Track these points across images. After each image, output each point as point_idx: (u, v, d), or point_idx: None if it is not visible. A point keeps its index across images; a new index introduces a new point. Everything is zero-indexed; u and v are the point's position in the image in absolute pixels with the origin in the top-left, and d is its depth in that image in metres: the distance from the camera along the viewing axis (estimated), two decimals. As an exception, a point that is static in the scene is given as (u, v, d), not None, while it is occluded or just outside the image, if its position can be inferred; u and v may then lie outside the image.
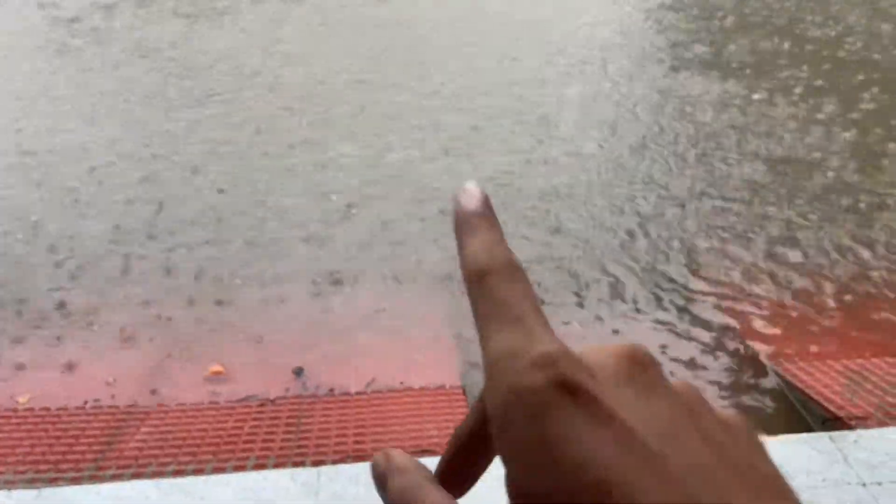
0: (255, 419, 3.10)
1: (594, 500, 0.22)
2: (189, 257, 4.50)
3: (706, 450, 0.24)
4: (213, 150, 5.82)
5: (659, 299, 4.11)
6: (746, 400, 3.41)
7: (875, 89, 6.64)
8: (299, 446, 2.89)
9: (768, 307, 4.04)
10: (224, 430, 3.00)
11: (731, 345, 3.77)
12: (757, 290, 4.18)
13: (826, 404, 3.06)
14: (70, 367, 3.58)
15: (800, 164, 5.53)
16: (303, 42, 8.15)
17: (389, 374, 3.47)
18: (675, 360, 3.67)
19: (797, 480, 2.57)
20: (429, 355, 3.64)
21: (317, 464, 2.72)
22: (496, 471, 0.29)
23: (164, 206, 5.06)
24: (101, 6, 9.17)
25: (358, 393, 3.35)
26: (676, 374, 3.57)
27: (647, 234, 4.71)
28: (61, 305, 4.06)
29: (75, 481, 2.62)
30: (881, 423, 2.87)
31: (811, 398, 3.15)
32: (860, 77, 6.93)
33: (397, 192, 5.18)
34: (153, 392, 3.39)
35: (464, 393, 3.30)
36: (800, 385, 3.26)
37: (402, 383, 3.40)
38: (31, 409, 3.20)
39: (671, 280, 4.28)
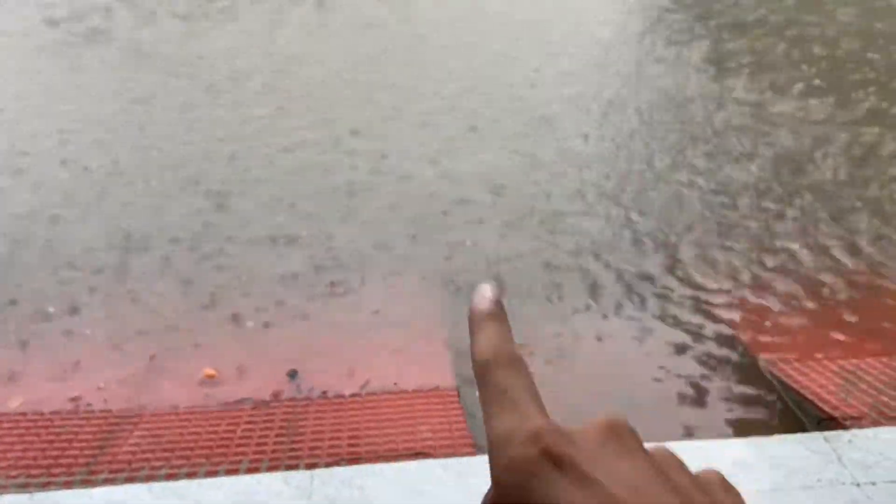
0: (248, 422, 3.09)
1: None
2: (184, 260, 4.50)
3: (675, 500, 0.28)
4: (211, 151, 5.82)
5: (652, 301, 4.10)
6: (742, 400, 3.40)
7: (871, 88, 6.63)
8: (293, 449, 2.89)
9: (763, 307, 4.03)
10: (217, 434, 3.00)
11: (727, 346, 3.76)
12: (752, 290, 4.17)
13: (821, 404, 3.05)
14: (62, 371, 3.58)
15: (797, 163, 5.51)
16: (302, 42, 8.15)
17: (384, 376, 3.46)
18: (670, 360, 3.67)
19: (792, 480, 2.57)
20: (423, 357, 3.63)
21: (310, 467, 2.72)
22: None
23: (161, 207, 5.06)
24: (100, 7, 9.17)
25: (352, 395, 3.34)
26: (672, 378, 3.56)
27: (644, 234, 4.70)
28: (50, 310, 4.06)
29: (67, 485, 2.62)
30: (875, 423, 2.87)
31: (806, 398, 3.15)
32: (856, 76, 6.92)
33: (395, 192, 5.17)
34: (145, 396, 3.38)
35: (458, 394, 3.29)
36: (794, 385, 3.25)
37: (395, 385, 3.39)
38: (24, 414, 3.19)
39: (665, 280, 4.27)
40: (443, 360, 3.60)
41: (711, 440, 2.98)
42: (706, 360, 3.66)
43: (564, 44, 8.00)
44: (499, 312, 0.34)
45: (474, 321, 0.34)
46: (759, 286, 4.20)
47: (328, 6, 9.22)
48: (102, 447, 2.91)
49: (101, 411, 3.23)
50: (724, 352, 3.72)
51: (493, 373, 0.32)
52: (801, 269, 4.32)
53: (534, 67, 7.36)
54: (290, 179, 5.39)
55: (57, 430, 3.03)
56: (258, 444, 2.92)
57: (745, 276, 4.28)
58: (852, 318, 3.91)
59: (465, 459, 2.71)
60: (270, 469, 2.73)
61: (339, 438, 2.95)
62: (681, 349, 3.74)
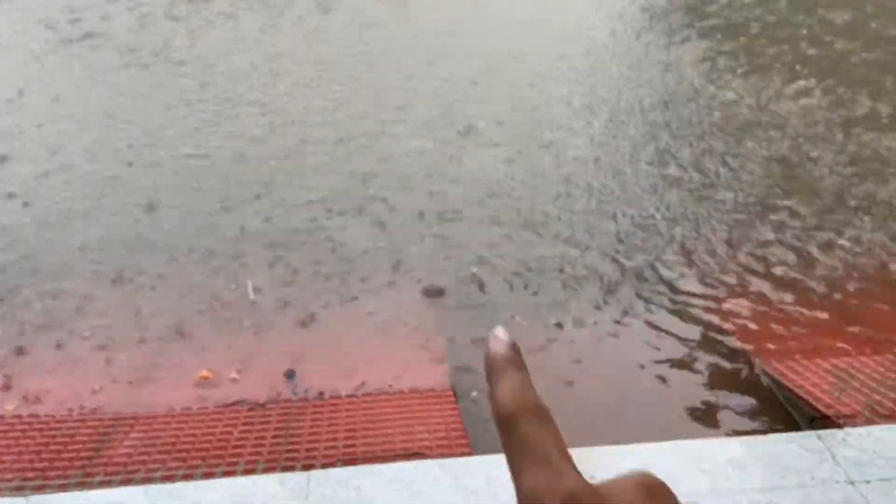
0: (244, 424, 3.09)
1: None
2: (184, 263, 4.49)
3: None
4: (211, 152, 5.81)
5: (648, 300, 4.11)
6: (736, 399, 3.41)
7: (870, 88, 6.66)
8: (289, 450, 2.89)
9: (758, 307, 4.04)
10: (213, 435, 3.00)
11: (721, 344, 3.78)
12: (748, 289, 4.19)
13: (814, 403, 3.06)
14: (58, 373, 3.57)
15: (790, 164, 5.54)
16: (300, 43, 8.14)
17: (379, 376, 3.46)
18: (665, 360, 3.68)
19: (786, 479, 2.58)
20: (419, 358, 3.63)
21: (307, 468, 2.72)
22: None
23: (156, 207, 5.06)
24: (99, 7, 9.14)
25: (348, 396, 3.35)
26: (665, 378, 3.57)
27: (641, 235, 4.72)
28: (46, 313, 4.05)
29: (63, 488, 2.61)
30: (869, 422, 2.88)
31: (800, 397, 3.16)
32: (851, 77, 6.95)
33: (393, 196, 5.17)
34: (141, 398, 3.38)
35: (454, 395, 3.30)
36: (788, 384, 3.26)
37: (391, 386, 3.40)
38: (19, 417, 3.19)
39: (660, 280, 4.28)
40: (438, 361, 3.61)
41: (706, 439, 2.99)
42: (699, 360, 3.68)
43: (564, 44, 8.01)
44: (516, 358, 0.34)
45: (493, 367, 0.33)
46: (753, 286, 4.21)
47: (327, 6, 9.21)
48: (98, 450, 2.91)
49: (97, 414, 3.23)
50: (717, 351, 3.73)
51: (520, 424, 0.31)
52: (793, 269, 4.34)
53: (533, 67, 7.36)
54: (287, 180, 5.39)
55: (52, 432, 3.02)
56: (254, 446, 2.92)
57: (738, 277, 4.30)
58: (845, 318, 3.93)
59: (461, 460, 2.72)
60: (267, 470, 2.73)
61: (335, 439, 2.95)
62: (674, 349, 3.75)
